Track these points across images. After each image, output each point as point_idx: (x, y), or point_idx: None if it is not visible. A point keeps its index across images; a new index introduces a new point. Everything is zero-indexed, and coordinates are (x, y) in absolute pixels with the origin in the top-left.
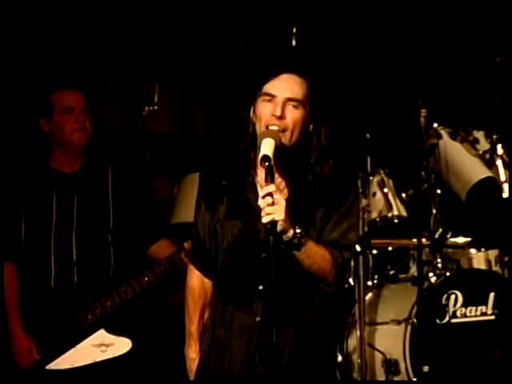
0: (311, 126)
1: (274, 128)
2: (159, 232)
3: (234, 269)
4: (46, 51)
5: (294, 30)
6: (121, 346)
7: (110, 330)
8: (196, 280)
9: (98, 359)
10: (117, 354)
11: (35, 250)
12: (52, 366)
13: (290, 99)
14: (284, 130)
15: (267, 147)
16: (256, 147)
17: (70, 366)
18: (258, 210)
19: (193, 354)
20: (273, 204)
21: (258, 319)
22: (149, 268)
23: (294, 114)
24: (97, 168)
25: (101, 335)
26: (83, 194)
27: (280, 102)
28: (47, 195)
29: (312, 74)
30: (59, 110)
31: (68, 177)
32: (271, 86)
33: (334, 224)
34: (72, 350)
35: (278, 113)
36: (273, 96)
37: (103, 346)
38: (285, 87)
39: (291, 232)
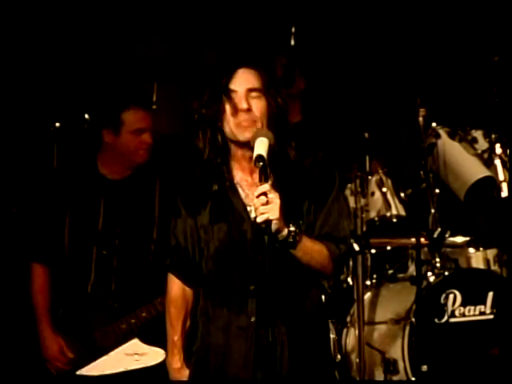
0: (275, 111)
1: (246, 124)
2: None
3: (224, 272)
4: (45, 51)
5: (293, 30)
6: (154, 356)
7: (143, 340)
8: (177, 289)
9: (130, 368)
10: (149, 364)
11: (77, 254)
12: (83, 371)
13: (250, 89)
14: (255, 122)
15: (261, 147)
16: (227, 148)
17: (101, 373)
18: (241, 211)
19: (177, 363)
20: (267, 203)
21: (253, 319)
22: None
23: (258, 104)
24: (145, 178)
25: (134, 344)
26: (130, 202)
27: (243, 95)
28: (94, 201)
29: (263, 63)
30: (130, 130)
31: (116, 184)
32: (231, 83)
33: (323, 217)
34: (104, 358)
35: (245, 106)
36: (234, 91)
37: (136, 355)
38: (243, 80)
39: (285, 231)
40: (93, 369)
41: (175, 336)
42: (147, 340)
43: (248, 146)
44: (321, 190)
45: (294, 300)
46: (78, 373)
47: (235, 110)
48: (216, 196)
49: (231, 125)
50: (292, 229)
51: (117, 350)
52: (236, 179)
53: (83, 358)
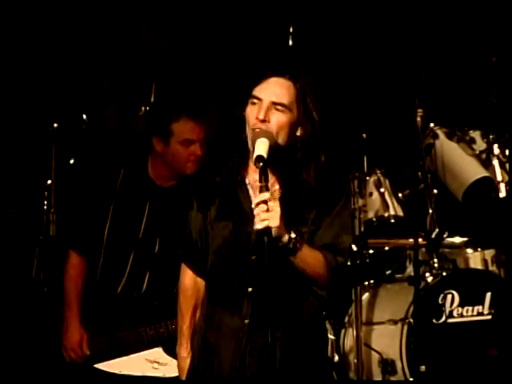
0: (299, 129)
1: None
2: None
3: (224, 271)
4: (43, 51)
5: (291, 30)
6: (174, 368)
7: (167, 351)
8: (188, 279)
9: (147, 374)
10: (167, 375)
11: (114, 252)
12: (101, 366)
13: (274, 103)
14: (268, 132)
15: (261, 147)
16: (247, 149)
17: (118, 372)
18: (248, 212)
19: (184, 352)
20: (267, 211)
21: (246, 322)
22: None
23: (279, 117)
24: (191, 187)
25: (157, 353)
26: (174, 211)
27: (265, 106)
28: (140, 203)
29: (304, 78)
30: (179, 140)
31: (163, 191)
32: (258, 89)
33: (326, 227)
34: (125, 358)
35: (261, 116)
36: (259, 99)
37: (156, 363)
38: (271, 91)
39: (286, 237)
40: (111, 365)
41: (184, 325)
42: (171, 352)
43: None
44: (329, 201)
45: (290, 305)
46: (96, 366)
47: (253, 117)
48: (225, 194)
49: (249, 126)
50: (293, 236)
51: (138, 354)
52: (248, 180)
53: (104, 352)
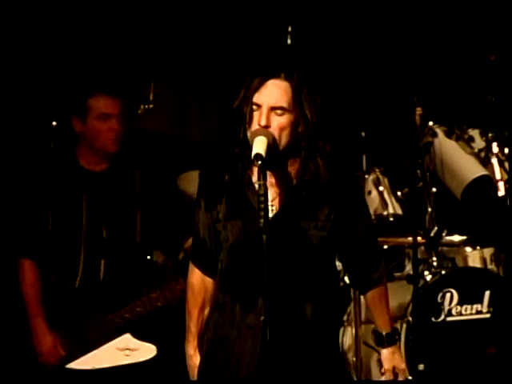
0: (300, 126)
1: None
2: (189, 230)
3: (238, 269)
4: (43, 51)
5: (290, 29)
6: (146, 351)
7: (136, 336)
8: (196, 277)
9: (121, 363)
10: (140, 360)
11: (63, 248)
12: (73, 365)
13: (274, 108)
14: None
15: (259, 145)
16: (249, 148)
17: (91, 368)
18: (257, 210)
19: (191, 350)
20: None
21: (262, 318)
22: (182, 275)
23: (279, 121)
24: (124, 169)
25: (126, 339)
26: (112, 193)
27: (265, 112)
28: (77, 194)
29: (298, 73)
30: (96, 115)
31: (97, 176)
32: (257, 96)
33: (364, 223)
34: (95, 352)
35: (263, 123)
36: (258, 105)
37: (128, 350)
38: (269, 95)
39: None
40: (83, 363)
41: (191, 323)
42: (139, 336)
43: None
44: (348, 198)
45: (300, 302)
46: (68, 366)
47: (255, 123)
48: (233, 192)
49: (248, 132)
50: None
51: (108, 345)
52: (254, 178)
53: (74, 351)
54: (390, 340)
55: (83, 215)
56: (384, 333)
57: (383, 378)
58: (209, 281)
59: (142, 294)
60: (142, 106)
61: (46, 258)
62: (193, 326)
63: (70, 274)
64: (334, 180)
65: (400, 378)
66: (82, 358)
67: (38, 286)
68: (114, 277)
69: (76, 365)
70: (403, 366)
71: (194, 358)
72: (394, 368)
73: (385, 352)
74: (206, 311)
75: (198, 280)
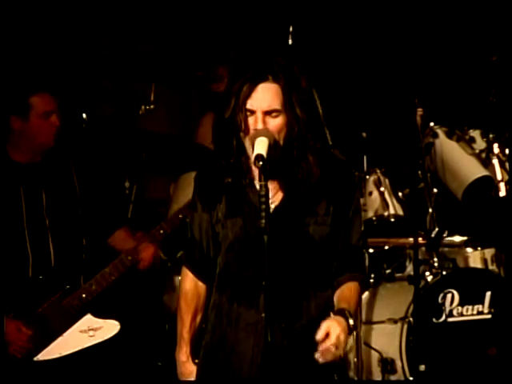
0: (294, 125)
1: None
2: (115, 223)
3: (238, 267)
4: (43, 51)
5: (291, 29)
6: (109, 328)
7: (96, 314)
8: (189, 283)
9: (87, 345)
10: (105, 338)
11: (8, 242)
12: (40, 357)
13: (267, 112)
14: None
15: (261, 146)
16: (244, 148)
17: (59, 355)
18: (258, 207)
19: (184, 357)
20: (336, 348)
21: (263, 315)
22: (128, 251)
23: (275, 123)
24: (58, 159)
25: (88, 320)
26: (49, 182)
27: (260, 116)
28: (13, 188)
29: (285, 74)
30: (39, 113)
31: (31, 167)
32: (249, 102)
33: (355, 227)
34: (59, 339)
35: (261, 126)
36: (252, 111)
37: (91, 330)
38: (261, 100)
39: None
40: (50, 352)
41: (183, 329)
42: (99, 314)
43: None
44: (345, 195)
45: (301, 300)
46: (36, 359)
47: (250, 129)
48: (232, 191)
49: (246, 139)
50: (351, 323)
51: (71, 329)
52: (252, 176)
53: (39, 342)
54: (340, 312)
55: (23, 207)
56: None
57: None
58: (202, 286)
59: (95, 273)
60: (142, 107)
61: None
62: (185, 333)
63: (21, 266)
64: (330, 176)
65: (328, 355)
66: (48, 348)
67: None
68: (66, 261)
69: (43, 356)
70: (340, 339)
71: (188, 365)
72: (328, 334)
73: (332, 316)
74: (199, 318)
75: (192, 286)
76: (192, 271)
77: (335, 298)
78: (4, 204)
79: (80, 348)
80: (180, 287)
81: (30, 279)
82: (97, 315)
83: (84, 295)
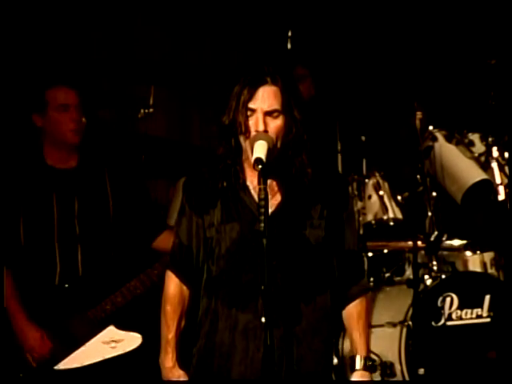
0: (292, 125)
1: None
2: (159, 226)
3: (235, 272)
4: (42, 52)
5: (290, 34)
6: (131, 341)
7: (119, 326)
8: (174, 287)
9: (108, 356)
10: (127, 350)
11: (38, 248)
12: (61, 365)
13: (268, 112)
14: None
15: (260, 150)
16: (241, 150)
17: (80, 365)
18: (254, 212)
19: (169, 362)
20: None
21: (262, 319)
22: (156, 261)
23: (276, 123)
24: (93, 166)
25: (110, 332)
26: (83, 190)
27: (261, 117)
28: (46, 193)
29: (282, 76)
30: (54, 106)
31: (65, 173)
32: (251, 102)
33: (350, 230)
34: (81, 349)
35: (261, 127)
36: (253, 110)
37: (113, 342)
38: (262, 101)
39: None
40: (71, 361)
41: (169, 335)
42: (122, 326)
43: None
44: (338, 201)
45: (300, 304)
46: (57, 367)
47: (252, 129)
48: (227, 195)
49: (247, 141)
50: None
51: (93, 340)
52: (248, 181)
53: (61, 351)
54: (365, 365)
55: (54, 214)
56: (359, 356)
57: None
58: (186, 290)
59: (121, 285)
60: (141, 110)
61: (21, 262)
62: (171, 338)
63: (49, 274)
64: (322, 179)
65: None
66: (70, 357)
67: (14, 291)
68: (93, 271)
69: (64, 365)
70: None
71: (175, 371)
72: None
73: (355, 377)
74: (183, 323)
75: (177, 291)
76: (178, 275)
77: (346, 323)
78: (36, 209)
79: (101, 359)
80: (164, 291)
81: (56, 287)
82: (119, 327)
83: (108, 307)
